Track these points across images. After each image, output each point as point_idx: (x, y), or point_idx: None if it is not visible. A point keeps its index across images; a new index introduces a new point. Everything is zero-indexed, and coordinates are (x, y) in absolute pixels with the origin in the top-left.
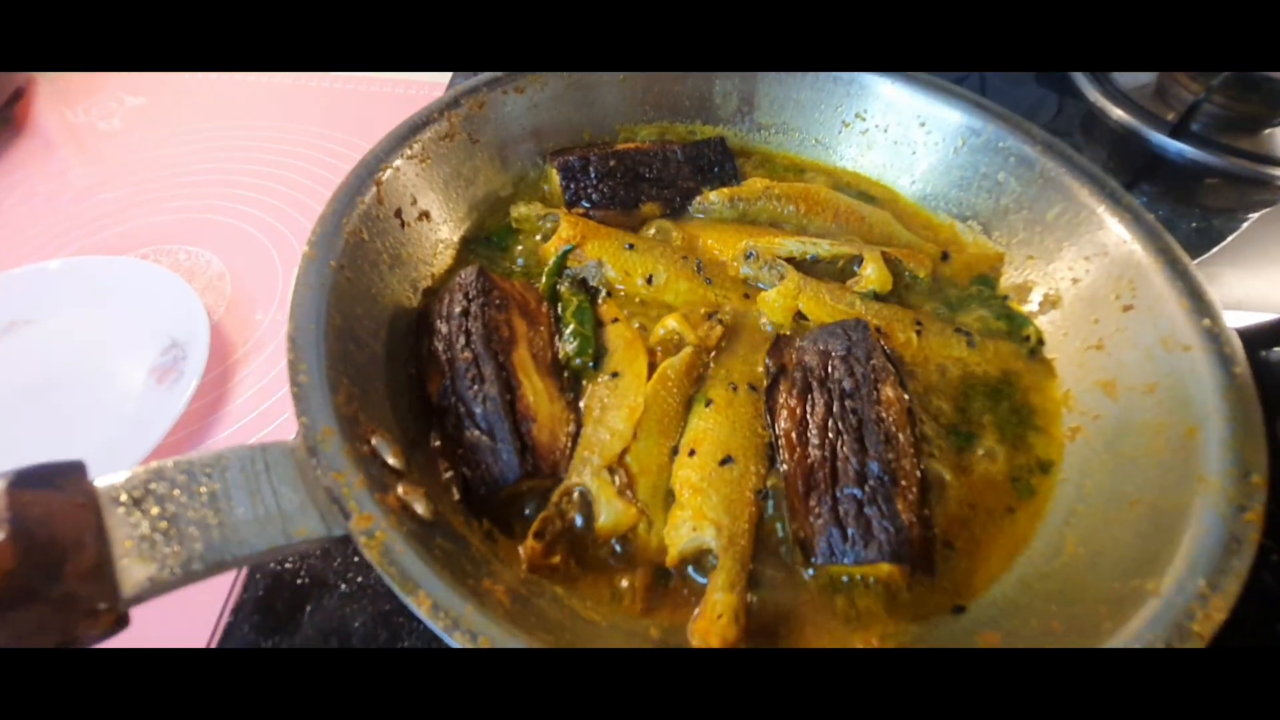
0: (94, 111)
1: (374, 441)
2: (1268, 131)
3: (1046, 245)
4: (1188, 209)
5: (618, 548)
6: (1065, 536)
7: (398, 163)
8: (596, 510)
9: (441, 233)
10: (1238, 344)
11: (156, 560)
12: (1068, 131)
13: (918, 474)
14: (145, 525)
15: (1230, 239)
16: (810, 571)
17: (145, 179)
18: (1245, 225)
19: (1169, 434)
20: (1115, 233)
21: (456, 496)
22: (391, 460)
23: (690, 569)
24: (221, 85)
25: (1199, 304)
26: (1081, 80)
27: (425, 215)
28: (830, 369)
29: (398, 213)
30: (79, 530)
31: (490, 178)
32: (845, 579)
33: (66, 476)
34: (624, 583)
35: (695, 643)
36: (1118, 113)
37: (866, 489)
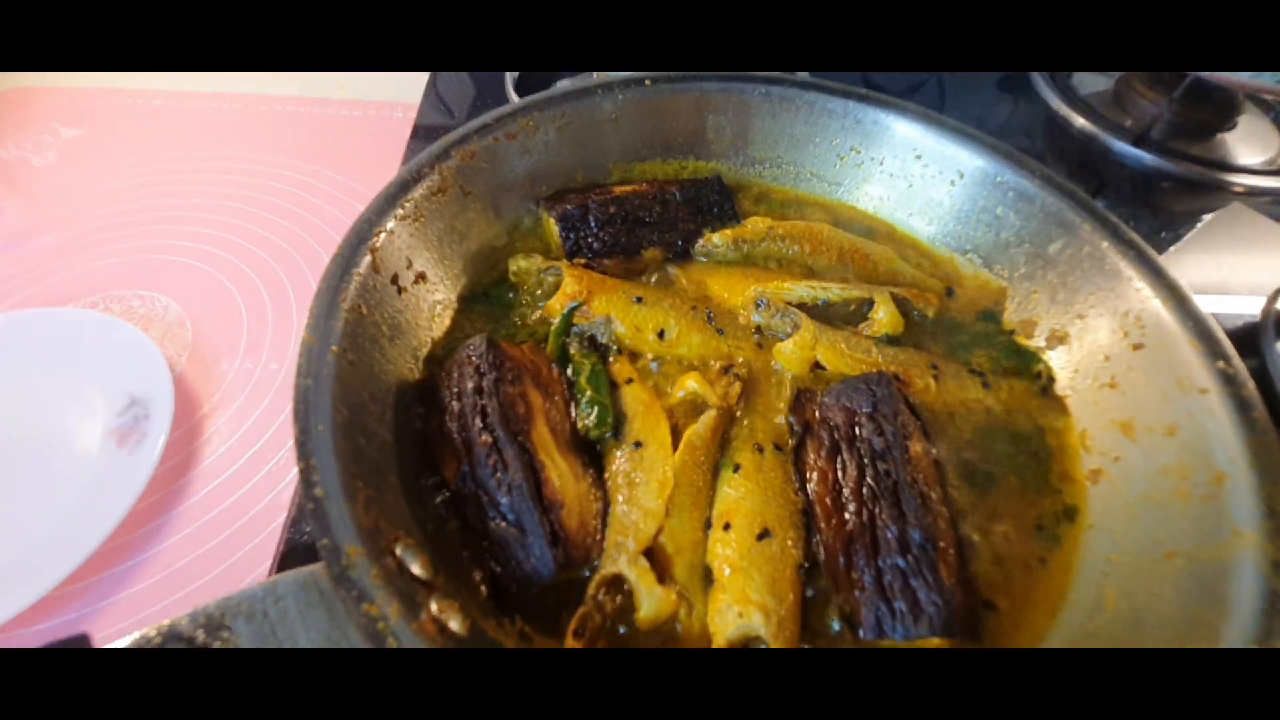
0: (26, 145)
1: (399, 551)
2: (1219, 137)
3: (1049, 280)
4: (1149, 212)
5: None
6: (1104, 590)
7: (390, 225)
8: (637, 600)
9: (438, 294)
10: (1254, 388)
11: None
12: (1029, 137)
13: (954, 534)
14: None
15: (1187, 237)
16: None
17: (88, 218)
18: (1200, 225)
19: (1195, 480)
20: (1120, 269)
21: (484, 593)
22: (418, 570)
23: None
24: (165, 112)
25: (1211, 345)
26: (1042, 87)
27: (421, 277)
28: (858, 428)
29: (394, 279)
30: None
31: (484, 230)
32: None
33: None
34: None
35: None
36: (1080, 121)
37: (910, 559)
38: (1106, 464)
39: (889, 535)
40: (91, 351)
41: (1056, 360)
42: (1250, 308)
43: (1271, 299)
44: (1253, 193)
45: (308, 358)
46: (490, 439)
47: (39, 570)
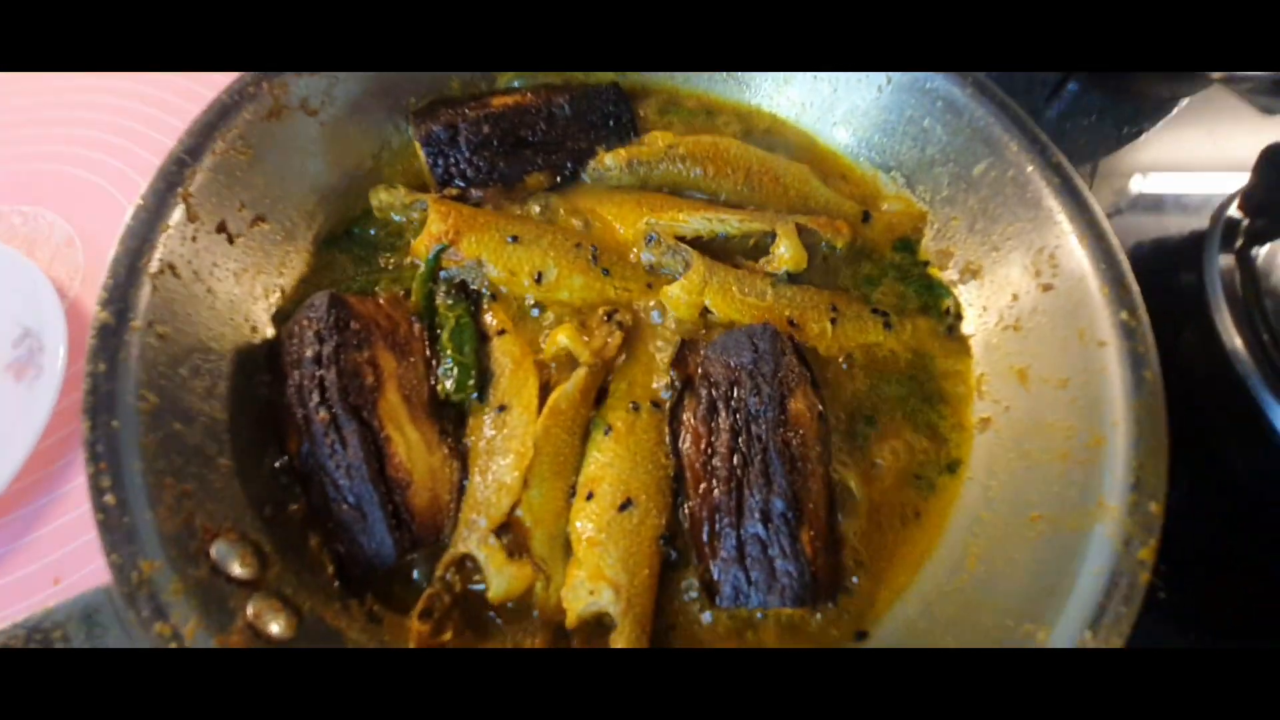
0: None
1: (214, 551)
2: None
3: (970, 205)
4: (1126, 96)
5: (512, 606)
6: (968, 547)
7: (207, 163)
8: (487, 579)
9: (286, 237)
10: (1152, 343)
11: None
12: None
13: (826, 494)
14: None
15: (1164, 119)
16: (708, 615)
17: None
18: (1178, 108)
19: (1076, 440)
20: (1042, 199)
21: (331, 574)
22: (238, 569)
23: (592, 627)
24: None
25: (1121, 293)
26: None
27: (260, 220)
28: (736, 386)
29: (221, 226)
30: None
31: (341, 156)
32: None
33: None
34: (526, 643)
35: None
36: None
37: (770, 528)
38: (997, 413)
39: (752, 503)
40: None
41: (966, 296)
42: (1220, 186)
43: (1220, 209)
44: (1232, 78)
45: (100, 338)
46: (328, 415)
47: None
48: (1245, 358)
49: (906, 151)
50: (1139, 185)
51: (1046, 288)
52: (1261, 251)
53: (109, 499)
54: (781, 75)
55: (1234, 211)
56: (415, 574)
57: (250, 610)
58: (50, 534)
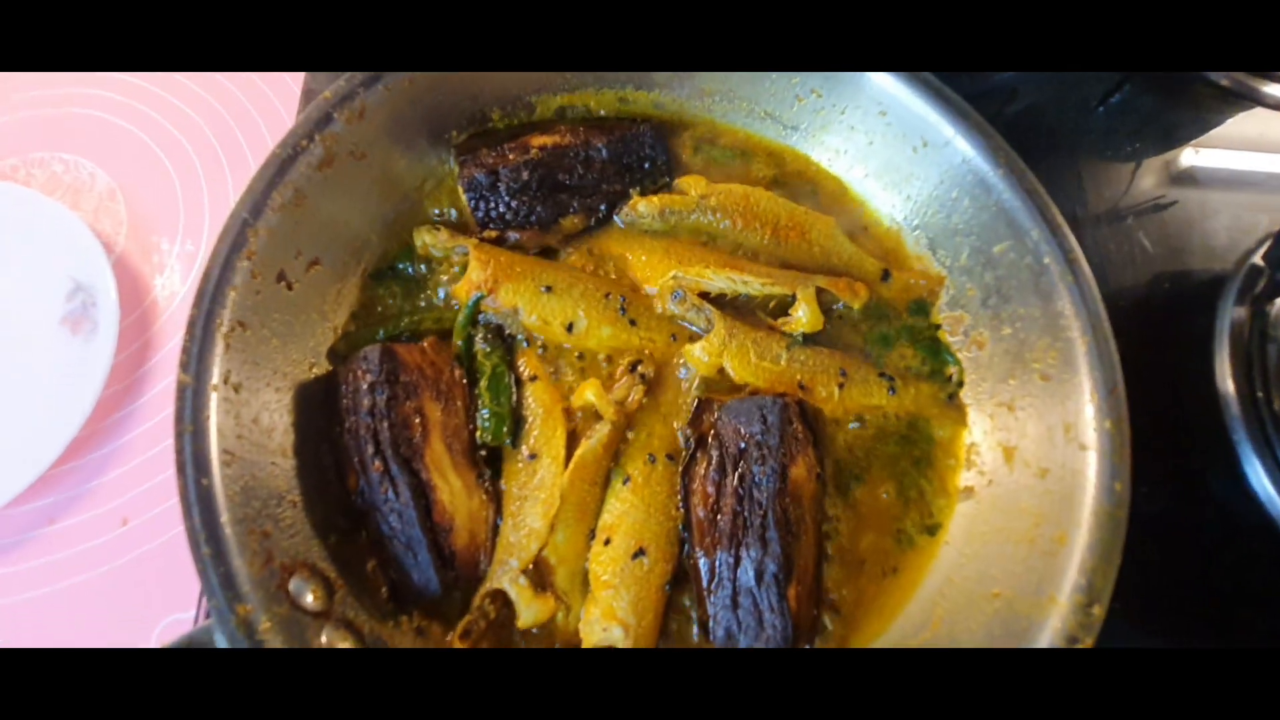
0: None
1: (292, 587)
2: None
3: (986, 280)
4: (1176, 102)
5: (536, 631)
6: (936, 609)
7: (269, 218)
8: (517, 610)
9: (338, 277)
10: (1128, 455)
11: None
12: None
13: (815, 551)
14: None
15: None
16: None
17: None
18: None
19: (1043, 531)
20: (1054, 294)
21: (385, 595)
22: (310, 601)
23: None
24: None
25: (1111, 403)
26: None
27: (315, 263)
28: (743, 455)
29: (280, 276)
30: None
31: (388, 192)
32: None
33: None
34: None
35: None
36: None
37: (762, 585)
38: (980, 485)
39: (748, 561)
40: (22, 231)
41: (969, 365)
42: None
43: (1245, 255)
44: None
45: (185, 402)
46: (382, 465)
47: (21, 460)
48: (1234, 404)
49: (933, 215)
50: (1174, 194)
51: (1044, 377)
52: (1277, 305)
53: (205, 551)
54: (819, 119)
55: (1258, 259)
56: (455, 596)
57: (324, 639)
58: (116, 480)
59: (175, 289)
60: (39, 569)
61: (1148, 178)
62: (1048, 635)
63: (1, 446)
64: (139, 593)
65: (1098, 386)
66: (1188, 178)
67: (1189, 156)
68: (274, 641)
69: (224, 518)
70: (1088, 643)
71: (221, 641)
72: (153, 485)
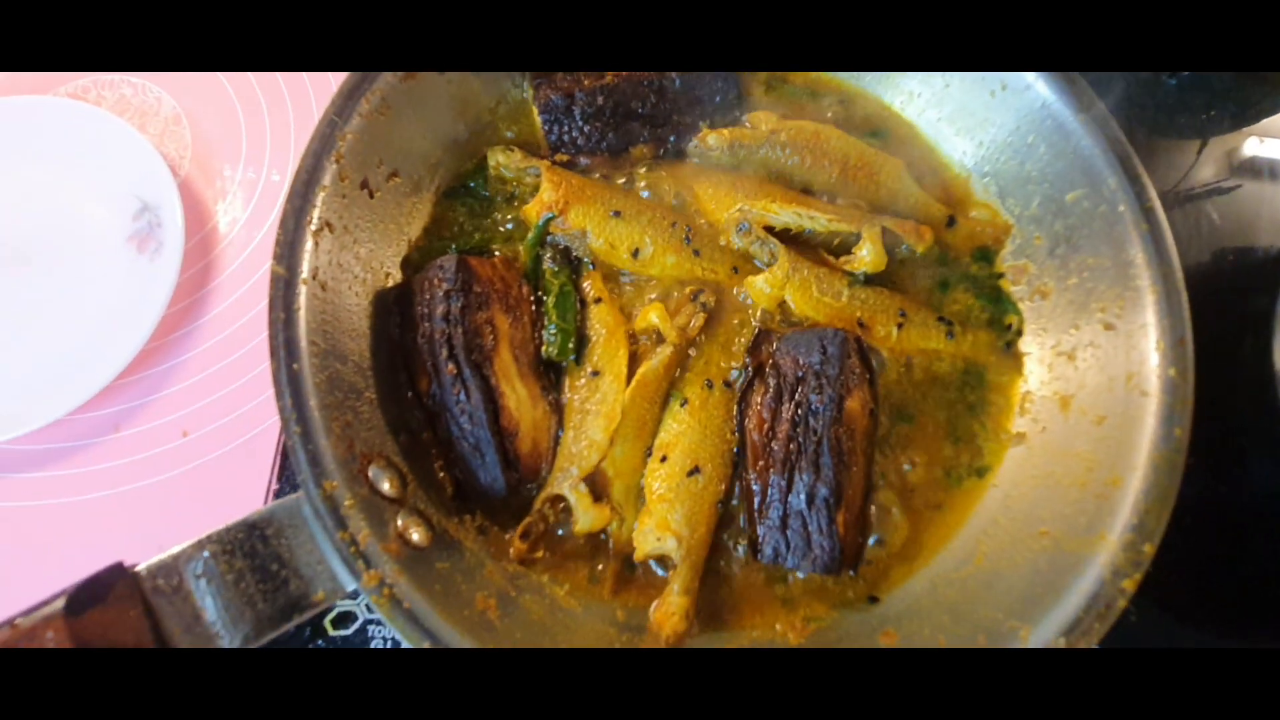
0: None
1: (370, 473)
2: None
3: (1055, 229)
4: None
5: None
6: (980, 545)
7: (356, 123)
8: (575, 516)
9: (414, 190)
10: (1191, 400)
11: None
12: None
13: (865, 482)
14: (188, 612)
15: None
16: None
17: None
18: None
19: (1096, 475)
20: (1126, 243)
21: (450, 493)
22: (387, 488)
23: (654, 564)
24: None
25: (1177, 350)
26: None
27: (394, 175)
28: (801, 383)
29: (364, 184)
30: (138, 636)
31: (464, 110)
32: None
33: (110, 586)
34: (599, 567)
35: (653, 626)
36: None
37: (813, 509)
38: (1033, 431)
39: (800, 485)
40: (92, 149)
41: (1030, 314)
42: None
43: None
44: None
45: (278, 291)
46: (455, 369)
47: (90, 369)
48: None
49: (1006, 162)
50: (1240, 177)
51: (1108, 326)
52: None
53: (296, 429)
54: None
55: None
56: (514, 503)
57: (400, 522)
58: (177, 394)
59: (237, 215)
60: (104, 472)
61: (1216, 154)
62: (1095, 571)
63: (72, 355)
64: (195, 502)
65: (1165, 335)
66: (1260, 161)
67: (1252, 145)
68: (356, 520)
69: (312, 401)
70: (1135, 578)
71: (308, 513)
72: (212, 400)
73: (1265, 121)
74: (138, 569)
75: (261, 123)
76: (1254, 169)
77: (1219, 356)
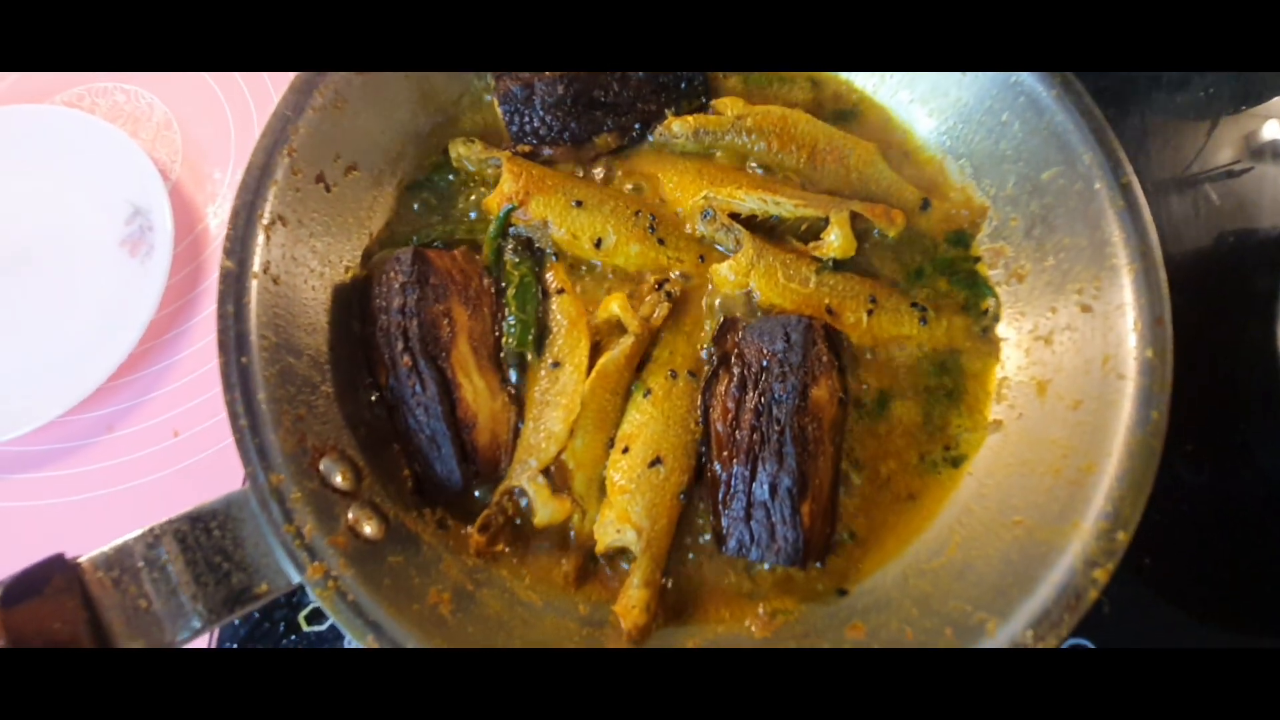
0: None
1: (322, 467)
2: None
3: (1032, 209)
4: None
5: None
6: (953, 536)
7: (310, 116)
8: (533, 509)
9: (375, 182)
10: (1169, 382)
11: (143, 635)
12: None
13: (833, 471)
14: (129, 604)
15: None
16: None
17: None
18: None
19: (1072, 461)
20: (1103, 221)
21: (410, 486)
22: (339, 482)
23: (616, 557)
24: None
25: (1155, 331)
26: None
27: (352, 168)
28: (765, 373)
29: (319, 177)
30: (73, 628)
31: (425, 103)
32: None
33: (48, 579)
34: (561, 562)
35: (614, 620)
36: None
37: (777, 500)
38: (1010, 418)
39: (763, 475)
40: (86, 156)
41: (1007, 298)
42: None
43: None
44: None
45: (227, 285)
46: (410, 361)
47: (83, 371)
48: None
49: (980, 141)
50: (1248, 160)
51: (1085, 309)
52: None
53: (243, 422)
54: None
55: None
56: (476, 494)
57: (350, 515)
58: (168, 394)
59: (226, 218)
60: (97, 472)
61: (1223, 135)
62: (1067, 560)
63: (65, 357)
64: (187, 500)
65: (1142, 315)
66: (1269, 146)
67: (1272, 129)
68: (302, 513)
69: (261, 394)
70: (1108, 568)
71: (254, 506)
72: (202, 401)
73: (1273, 101)
74: (80, 560)
75: (250, 127)
76: (1259, 151)
77: (1222, 340)
